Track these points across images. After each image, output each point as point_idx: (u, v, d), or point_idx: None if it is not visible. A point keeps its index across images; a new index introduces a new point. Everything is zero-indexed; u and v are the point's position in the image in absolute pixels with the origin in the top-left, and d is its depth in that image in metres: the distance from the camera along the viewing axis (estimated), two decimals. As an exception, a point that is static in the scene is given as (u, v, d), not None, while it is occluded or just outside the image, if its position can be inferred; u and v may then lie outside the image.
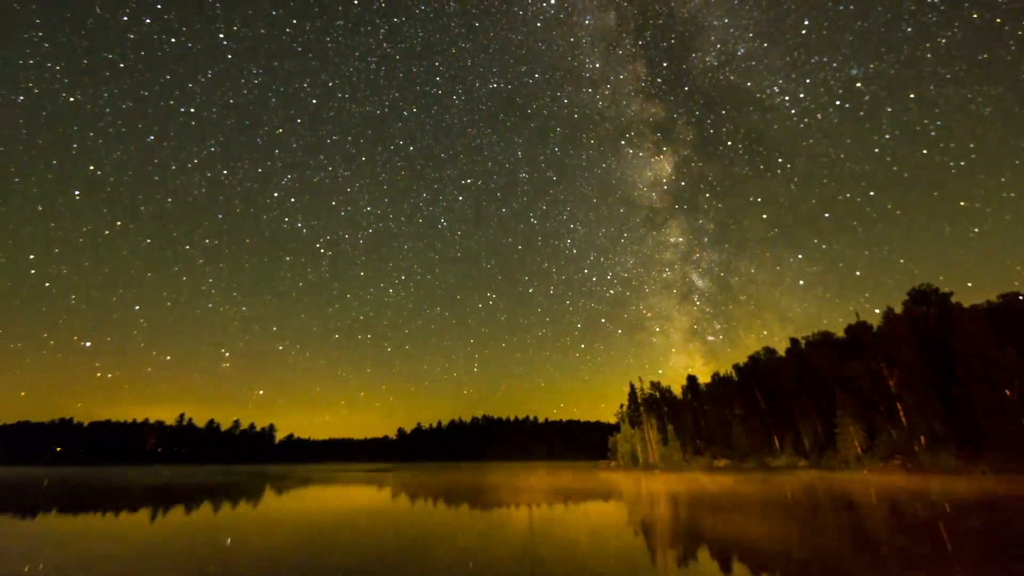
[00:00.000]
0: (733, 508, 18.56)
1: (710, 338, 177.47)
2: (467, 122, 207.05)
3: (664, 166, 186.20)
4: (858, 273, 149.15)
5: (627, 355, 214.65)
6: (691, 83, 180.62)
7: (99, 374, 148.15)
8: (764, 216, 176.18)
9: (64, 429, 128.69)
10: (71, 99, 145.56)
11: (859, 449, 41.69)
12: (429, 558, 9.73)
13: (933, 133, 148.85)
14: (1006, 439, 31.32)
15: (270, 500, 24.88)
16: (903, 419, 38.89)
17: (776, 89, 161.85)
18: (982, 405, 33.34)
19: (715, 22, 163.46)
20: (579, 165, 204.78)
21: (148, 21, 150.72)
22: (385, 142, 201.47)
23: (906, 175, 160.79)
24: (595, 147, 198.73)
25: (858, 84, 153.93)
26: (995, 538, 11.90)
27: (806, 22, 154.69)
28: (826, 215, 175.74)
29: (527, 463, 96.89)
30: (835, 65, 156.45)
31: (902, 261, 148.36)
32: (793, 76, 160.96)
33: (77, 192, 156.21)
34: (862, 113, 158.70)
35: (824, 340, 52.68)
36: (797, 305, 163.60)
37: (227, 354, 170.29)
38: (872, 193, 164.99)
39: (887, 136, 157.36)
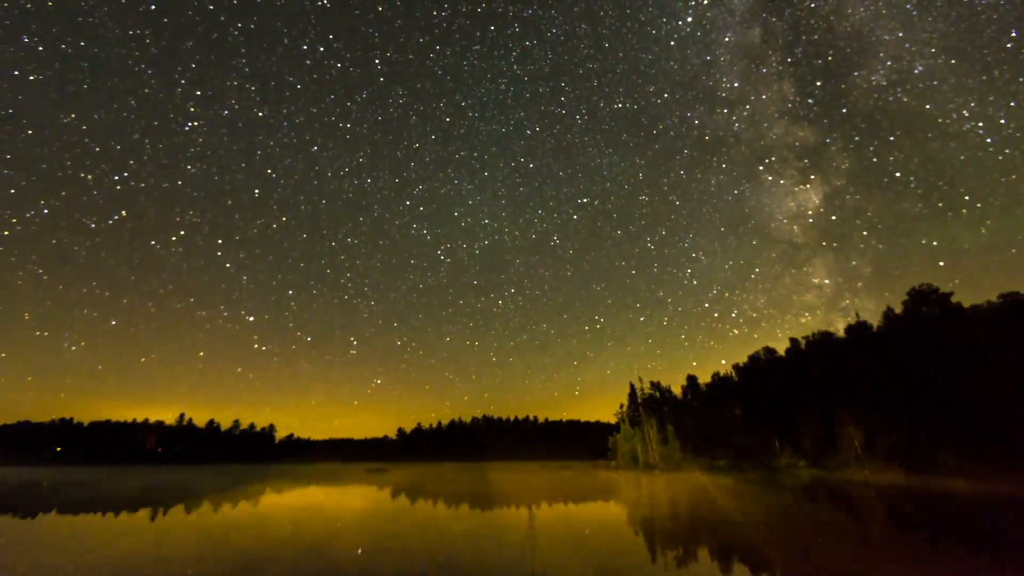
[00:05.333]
0: (732, 508, 18.56)
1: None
2: (588, 142, 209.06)
3: (811, 196, 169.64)
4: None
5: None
6: (851, 105, 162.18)
7: (256, 346, 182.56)
8: (941, 263, 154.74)
9: (64, 429, 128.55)
10: (259, 114, 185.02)
11: (859, 449, 41.66)
12: (431, 557, 9.74)
13: None
14: (1006, 439, 31.31)
15: (273, 499, 24.90)
16: (903, 420, 38.87)
17: (966, 113, 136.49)
18: (982, 405, 33.32)
19: (886, 36, 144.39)
20: (706, 190, 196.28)
21: (321, 49, 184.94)
22: (507, 159, 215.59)
23: None
24: (727, 172, 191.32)
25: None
26: (995, 538, 11.90)
27: (1013, 33, 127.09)
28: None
29: (527, 463, 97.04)
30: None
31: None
32: (991, 98, 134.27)
33: (256, 191, 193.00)
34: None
35: (824, 340, 52.63)
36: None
37: (355, 342, 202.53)
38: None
39: None
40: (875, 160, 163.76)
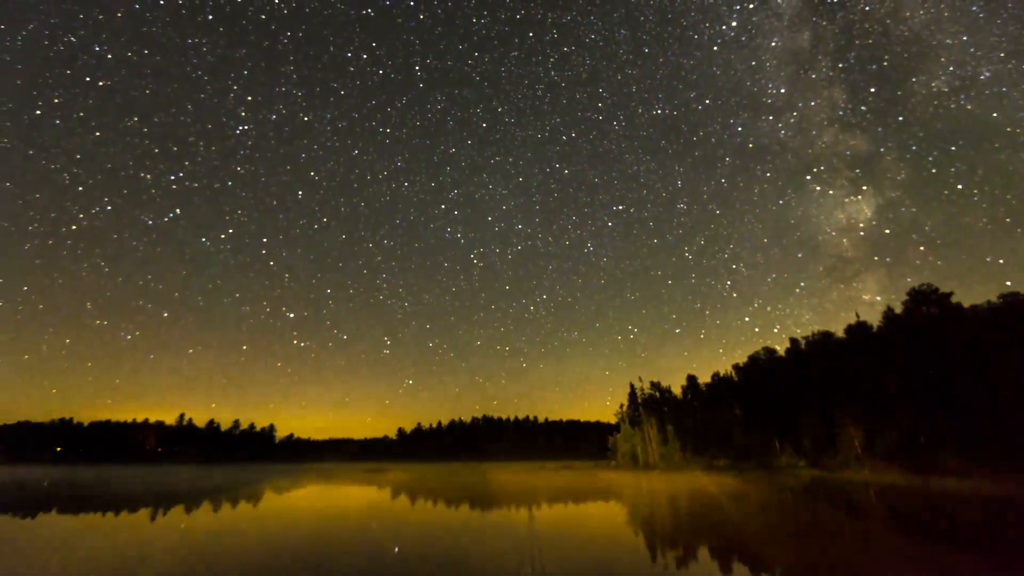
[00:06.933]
0: (732, 508, 18.56)
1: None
2: (625, 148, 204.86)
3: (862, 208, 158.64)
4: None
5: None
6: (908, 112, 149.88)
7: (295, 342, 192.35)
8: (1008, 283, 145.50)
9: (64, 429, 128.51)
10: (305, 118, 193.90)
11: (859, 450, 41.64)
12: (430, 558, 9.72)
13: None
14: (1006, 439, 31.29)
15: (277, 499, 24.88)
16: (903, 419, 38.84)
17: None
18: (982, 405, 33.29)
19: (948, 40, 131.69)
20: (749, 199, 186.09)
21: (364, 56, 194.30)
22: (542, 164, 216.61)
23: None
24: (771, 181, 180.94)
25: None
26: (995, 538, 11.89)
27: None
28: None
29: (527, 463, 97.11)
30: None
31: None
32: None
33: (300, 192, 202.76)
34: None
35: (824, 340, 52.59)
36: None
37: (388, 342, 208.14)
38: None
39: None
40: (934, 171, 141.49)
